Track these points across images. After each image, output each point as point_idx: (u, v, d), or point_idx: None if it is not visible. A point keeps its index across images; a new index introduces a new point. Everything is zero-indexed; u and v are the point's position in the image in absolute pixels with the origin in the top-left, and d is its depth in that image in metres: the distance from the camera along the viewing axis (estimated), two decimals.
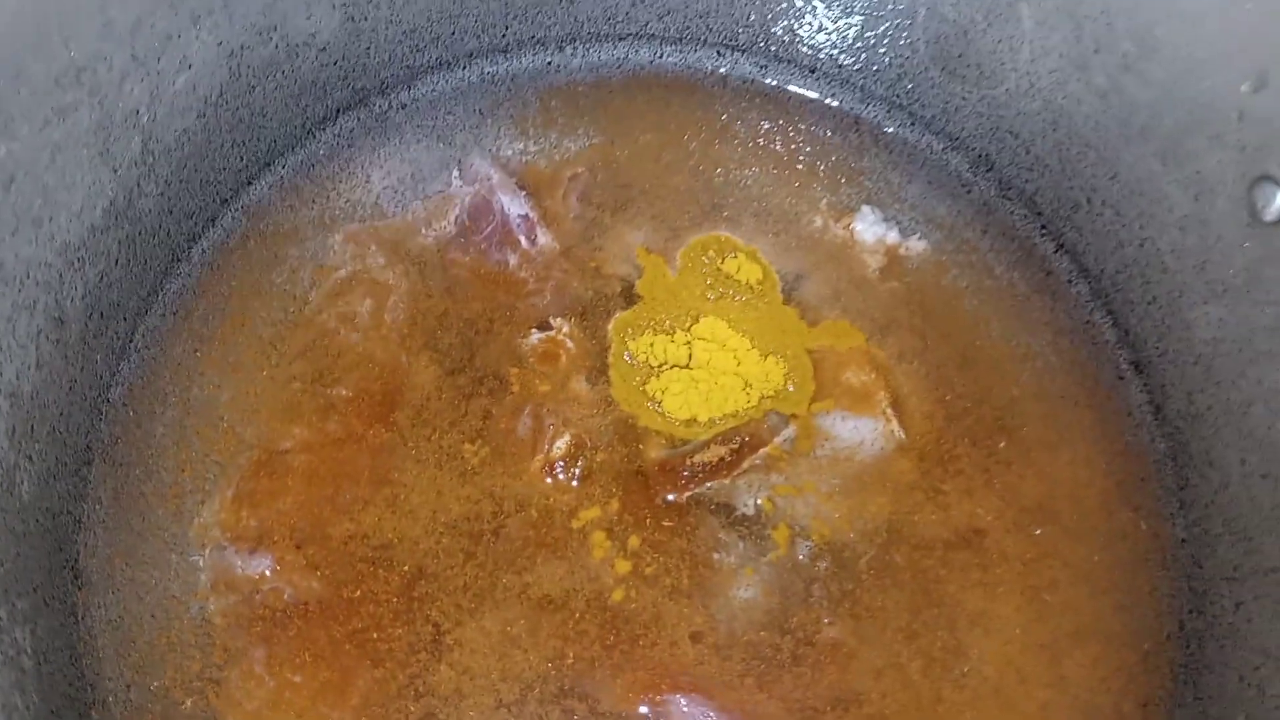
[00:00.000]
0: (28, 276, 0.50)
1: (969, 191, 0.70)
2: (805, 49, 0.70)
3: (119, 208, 0.55)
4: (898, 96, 0.70)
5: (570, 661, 0.57)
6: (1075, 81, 0.60)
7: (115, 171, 0.54)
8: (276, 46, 0.59)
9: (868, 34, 0.68)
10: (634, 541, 0.59)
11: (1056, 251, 0.68)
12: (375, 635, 0.57)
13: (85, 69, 0.48)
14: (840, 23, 0.69)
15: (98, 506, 0.59)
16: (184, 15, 0.52)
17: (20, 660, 0.48)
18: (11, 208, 0.47)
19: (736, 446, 0.61)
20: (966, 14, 0.62)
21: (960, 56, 0.65)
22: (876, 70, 0.69)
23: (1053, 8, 0.58)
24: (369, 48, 0.64)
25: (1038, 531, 0.61)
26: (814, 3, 0.68)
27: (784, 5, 0.68)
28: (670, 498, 0.60)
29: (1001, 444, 0.63)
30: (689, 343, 0.64)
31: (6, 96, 0.45)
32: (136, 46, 0.51)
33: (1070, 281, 0.67)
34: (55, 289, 0.52)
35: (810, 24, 0.68)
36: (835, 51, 0.69)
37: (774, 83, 0.72)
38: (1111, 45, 0.56)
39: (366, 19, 0.62)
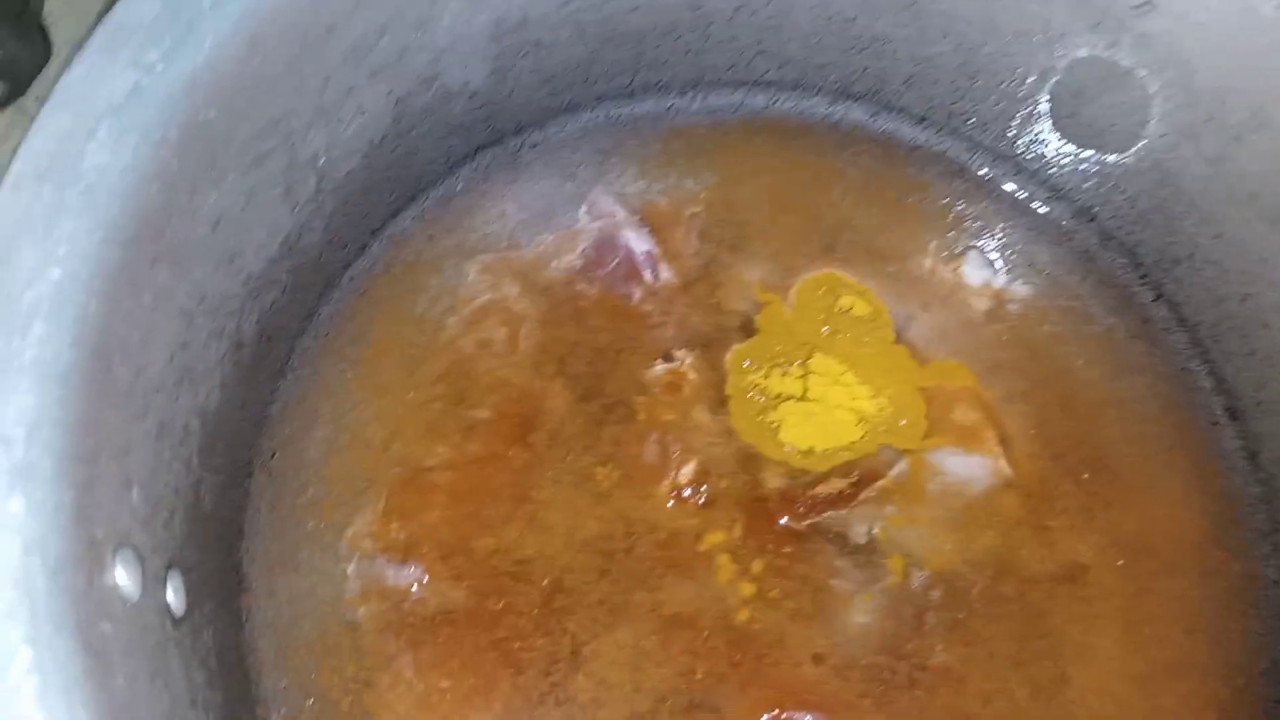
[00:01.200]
0: (220, 308, 0.54)
1: (1070, 240, 0.73)
2: (915, 99, 0.74)
3: (291, 240, 0.59)
4: (1003, 147, 0.73)
5: (699, 677, 0.61)
6: (1186, 146, 0.63)
7: (293, 210, 0.58)
8: (435, 94, 0.63)
9: (978, 87, 0.71)
10: (757, 565, 0.63)
11: (1155, 300, 0.71)
12: (517, 645, 0.61)
13: (281, 120, 0.52)
14: (950, 77, 0.72)
15: (258, 515, 0.63)
16: (364, 70, 0.56)
17: (209, 661, 0.52)
18: (215, 247, 0.51)
19: (855, 479, 0.65)
20: (1081, 78, 0.65)
21: (1072, 116, 0.68)
22: (985, 122, 0.73)
23: (1170, 79, 0.61)
24: (510, 93, 0.68)
25: (1136, 568, 0.64)
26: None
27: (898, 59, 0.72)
28: (791, 525, 0.64)
29: (1102, 484, 0.66)
30: (804, 376, 0.68)
31: (220, 150, 0.49)
32: (324, 99, 0.55)
33: (1168, 330, 0.71)
34: (238, 316, 0.56)
35: (925, 75, 0.72)
36: (946, 102, 0.73)
37: (883, 129, 0.76)
38: (1224, 117, 0.60)
39: (513, 69, 0.66)
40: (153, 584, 0.47)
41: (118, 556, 0.44)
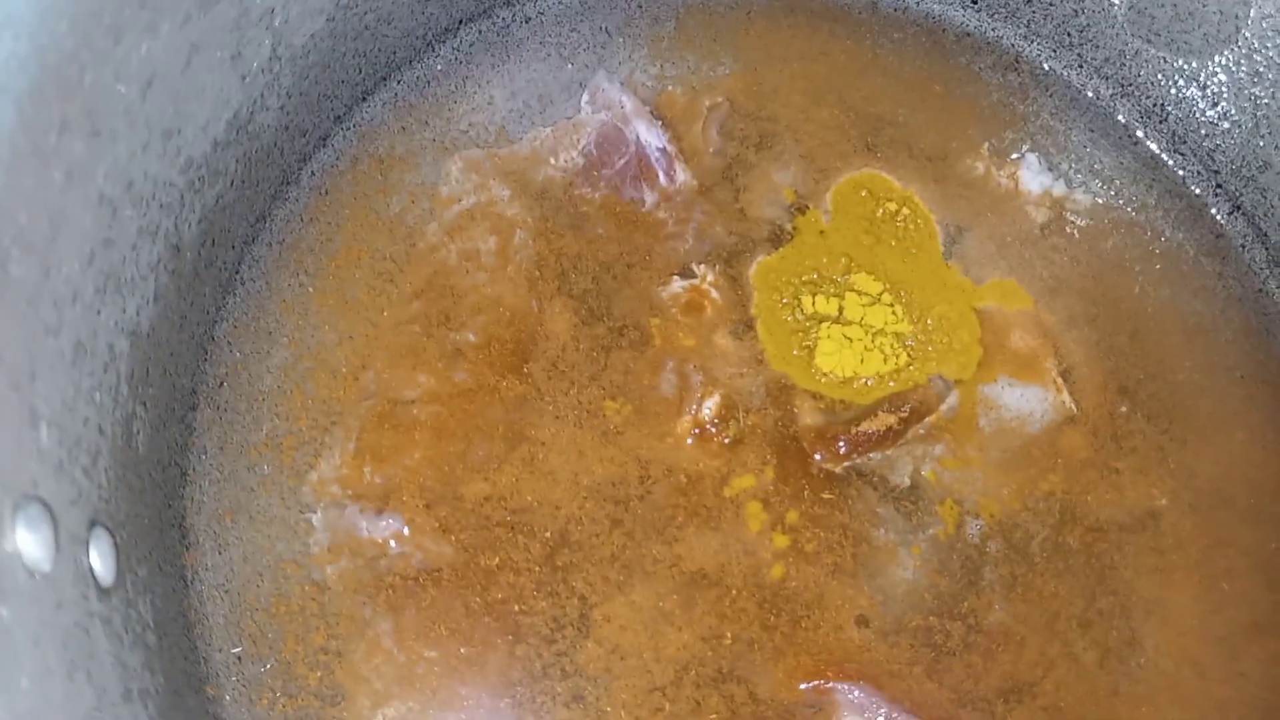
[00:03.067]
0: (153, 198, 0.43)
1: (1137, 144, 0.64)
2: None
3: (241, 121, 0.48)
4: (1068, 35, 0.64)
5: (728, 642, 0.52)
6: None
7: (243, 79, 0.47)
8: None
9: None
10: (792, 514, 0.54)
11: (1232, 213, 0.63)
12: (517, 608, 0.52)
13: None
14: None
15: (203, 457, 0.53)
16: None
17: (146, 637, 0.42)
18: (145, 117, 0.40)
19: (905, 414, 0.56)
20: None
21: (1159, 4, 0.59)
22: (1048, 4, 0.63)
23: None
24: None
25: (1212, 516, 0.57)
26: None
27: None
28: (828, 467, 0.55)
29: (1174, 420, 0.59)
30: (842, 295, 0.59)
31: None
32: None
33: (1245, 246, 0.62)
34: (176, 212, 0.46)
35: None
36: None
37: (930, 11, 0.66)
38: None
39: None
40: (70, 547, 0.37)
41: (20, 515, 0.33)
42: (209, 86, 0.44)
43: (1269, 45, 0.57)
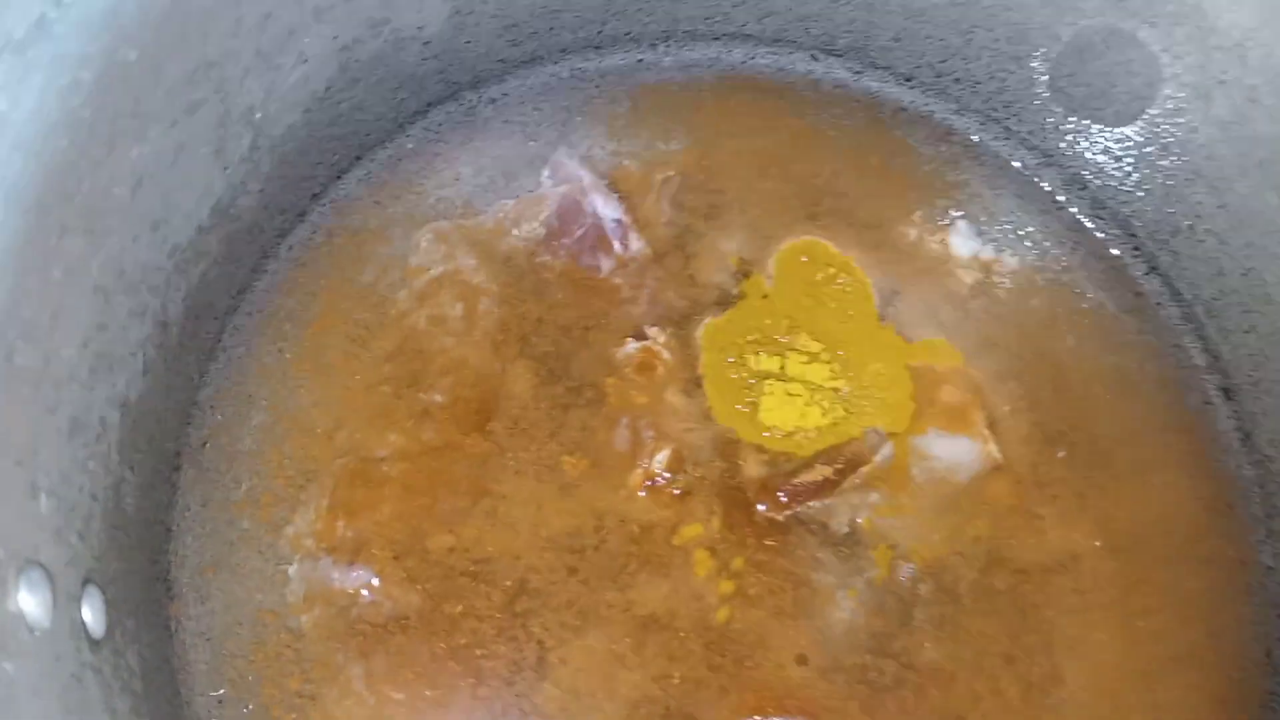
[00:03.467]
0: (142, 282, 0.48)
1: (1061, 210, 0.69)
2: (903, 56, 0.69)
3: (223, 206, 0.53)
4: (995, 109, 0.69)
5: (677, 682, 0.56)
6: (1195, 110, 0.59)
7: (225, 170, 0.51)
8: (385, 40, 0.56)
9: (972, 45, 0.67)
10: (737, 560, 0.59)
11: (1149, 274, 0.67)
12: (479, 652, 0.56)
13: (215, 64, 0.46)
14: (942, 34, 0.67)
15: (187, 515, 0.57)
16: (308, 9, 0.50)
17: (134, 685, 0.46)
18: (136, 213, 0.45)
19: (840, 466, 0.61)
20: (1085, 36, 0.61)
21: (1071, 77, 0.64)
22: (976, 83, 0.68)
23: (1181, 36, 0.57)
24: (469, 41, 0.62)
25: (1130, 557, 0.61)
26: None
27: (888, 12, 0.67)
28: (771, 515, 0.60)
29: (1094, 468, 0.63)
30: (784, 353, 0.63)
31: (145, 95, 0.42)
32: (262, 41, 0.48)
33: (1161, 305, 0.67)
34: (162, 293, 0.50)
35: (914, 31, 0.67)
36: (935, 60, 0.68)
37: (867, 89, 0.71)
38: (1240, 79, 0.56)
39: (473, 13, 0.59)
40: (65, 605, 0.41)
41: (22, 579, 0.37)
42: (194, 179, 0.49)
43: (1173, 123, 0.62)
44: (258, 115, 0.51)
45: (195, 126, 0.46)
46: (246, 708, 0.54)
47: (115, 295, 0.45)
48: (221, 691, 0.54)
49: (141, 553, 0.51)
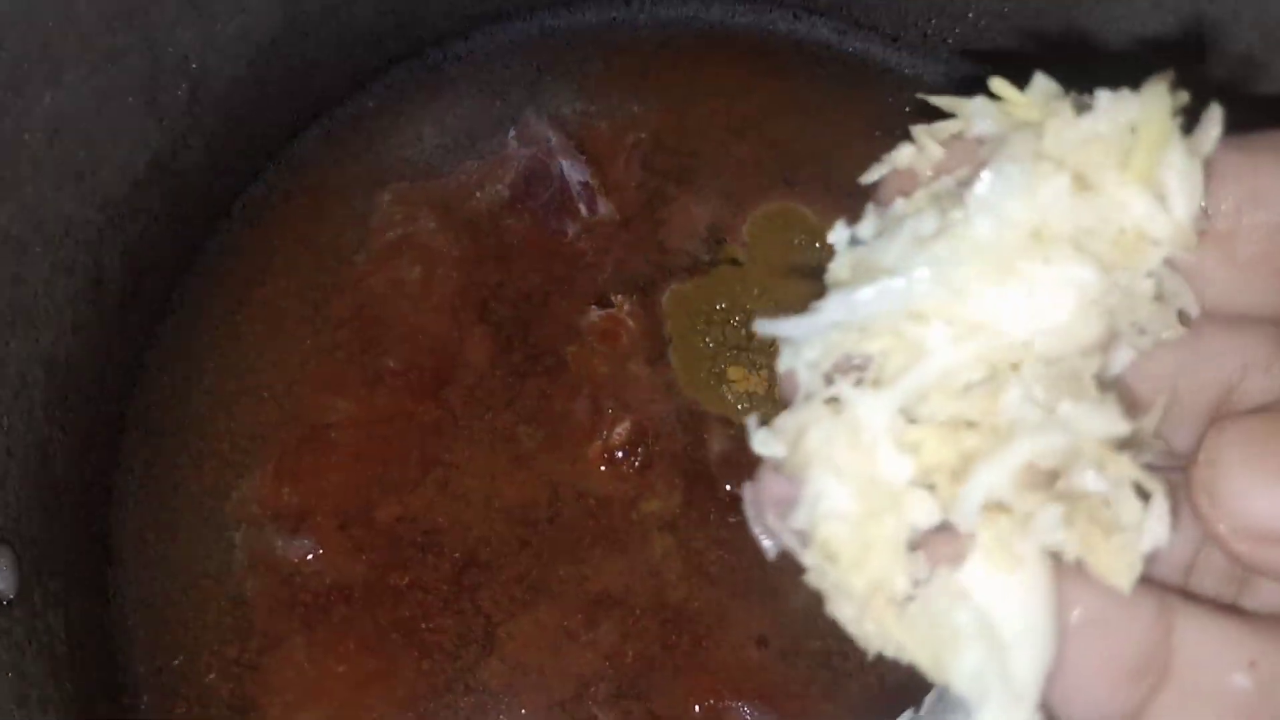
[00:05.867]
0: (67, 235, 0.46)
1: None
2: (889, 14, 0.66)
3: (163, 160, 0.51)
4: (987, 72, 0.65)
5: (629, 660, 0.54)
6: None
7: (161, 122, 0.49)
8: None
9: (957, 3, 0.63)
10: (698, 537, 0.56)
11: None
12: (424, 625, 0.54)
13: (137, 9, 0.44)
14: None
15: (129, 477, 0.55)
16: None
17: (54, 647, 0.45)
18: (54, 162, 0.43)
19: None
20: None
21: (1062, 32, 0.60)
22: (966, 43, 0.65)
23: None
24: None
25: None
26: None
27: None
28: (736, 492, 0.57)
29: None
30: (750, 322, 0.61)
31: (55, 39, 0.40)
32: None
33: None
34: (95, 248, 0.48)
35: None
36: (923, 18, 0.65)
37: (852, 49, 0.68)
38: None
39: None
40: None
41: None
42: (124, 130, 0.47)
43: None
44: (194, 66, 0.49)
45: (120, 74, 0.45)
46: (182, 676, 0.53)
47: (33, 246, 0.43)
48: (158, 660, 0.53)
49: (74, 514, 0.50)
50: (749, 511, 0.27)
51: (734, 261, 0.62)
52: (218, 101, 0.53)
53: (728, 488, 0.57)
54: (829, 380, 0.23)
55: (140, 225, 0.51)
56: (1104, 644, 0.22)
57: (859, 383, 0.23)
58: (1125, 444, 0.22)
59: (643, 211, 0.63)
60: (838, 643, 0.55)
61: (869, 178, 0.27)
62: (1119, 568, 0.22)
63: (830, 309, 0.23)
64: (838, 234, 0.25)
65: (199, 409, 0.57)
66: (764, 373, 0.60)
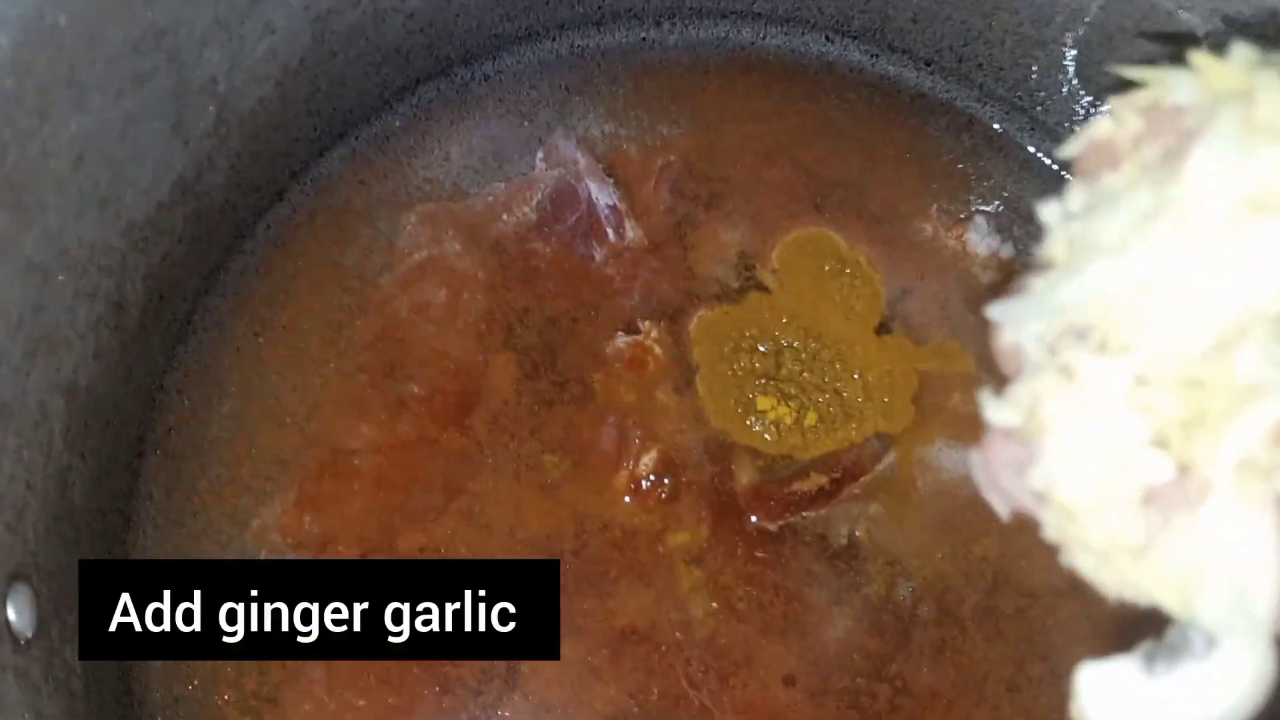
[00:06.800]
0: (90, 261, 0.45)
1: None
2: (922, 38, 0.64)
3: (188, 182, 0.50)
4: (1019, 98, 0.64)
5: (654, 698, 0.53)
6: None
7: (187, 144, 0.48)
8: (364, 12, 0.53)
9: (995, 27, 0.62)
10: (725, 572, 0.55)
11: None
12: (445, 660, 0.53)
13: (165, 33, 0.43)
14: (963, 15, 0.63)
15: (148, 503, 0.54)
16: None
17: (71, 683, 0.44)
18: (78, 188, 0.42)
19: (838, 475, 0.57)
20: (1115, 19, 0.56)
21: (1101, 62, 0.59)
22: (1000, 68, 0.64)
23: (1221, 17, 0.52)
24: (458, 15, 0.58)
25: None
26: None
27: None
28: (764, 525, 0.56)
29: None
30: (780, 351, 0.60)
31: (82, 65, 0.39)
32: (220, 9, 0.45)
33: None
34: (118, 272, 0.47)
35: (933, 11, 0.63)
36: (956, 43, 0.64)
37: (884, 73, 0.66)
38: None
39: None
40: None
41: None
42: (149, 154, 0.46)
43: None
44: (220, 87, 0.48)
45: (146, 98, 0.44)
46: (202, 709, 0.52)
47: (55, 274, 0.42)
48: (175, 691, 0.52)
49: (92, 544, 0.49)
50: (978, 476, 0.31)
51: (763, 288, 0.61)
52: (243, 122, 0.52)
53: (753, 520, 0.56)
54: (1053, 351, 0.25)
55: (163, 248, 0.50)
56: None
57: (1089, 350, 0.25)
58: None
59: (671, 236, 0.62)
60: (868, 681, 0.54)
61: (1069, 152, 0.28)
62: None
63: (1062, 289, 0.25)
64: (1050, 211, 0.27)
65: (219, 433, 0.56)
66: (793, 403, 0.58)
